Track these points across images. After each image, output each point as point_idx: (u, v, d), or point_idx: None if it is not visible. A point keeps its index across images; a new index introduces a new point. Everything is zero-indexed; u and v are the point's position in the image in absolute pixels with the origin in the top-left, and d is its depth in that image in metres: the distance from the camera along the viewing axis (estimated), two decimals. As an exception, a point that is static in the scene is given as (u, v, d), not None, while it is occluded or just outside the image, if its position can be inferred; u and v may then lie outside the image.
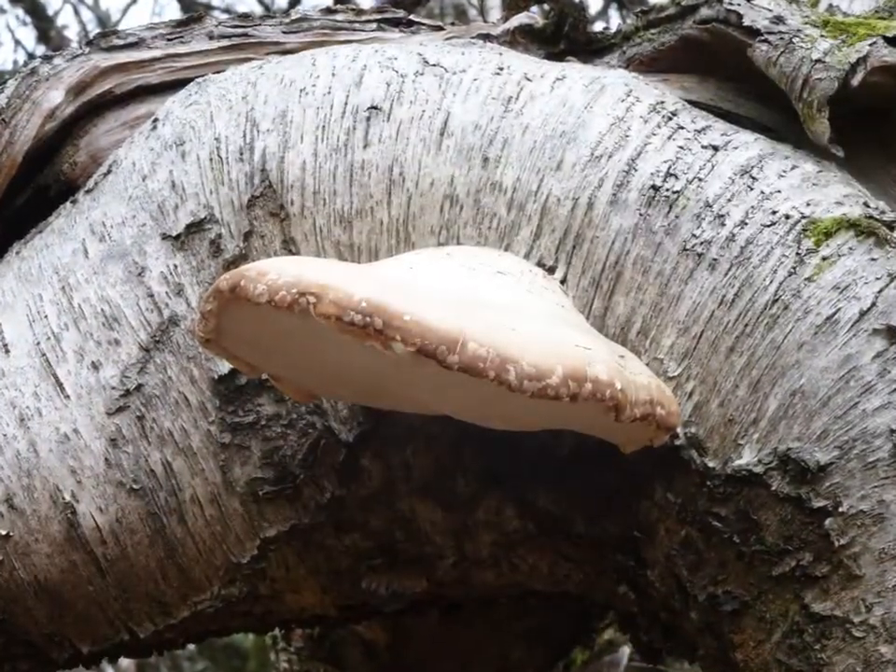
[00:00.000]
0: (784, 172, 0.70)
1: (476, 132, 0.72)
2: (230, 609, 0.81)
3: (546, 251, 0.70)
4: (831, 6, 0.89)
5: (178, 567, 0.77)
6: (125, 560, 0.76)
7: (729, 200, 0.68)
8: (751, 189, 0.68)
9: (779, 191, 0.68)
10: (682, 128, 0.72)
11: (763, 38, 0.75)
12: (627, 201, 0.69)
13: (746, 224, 0.67)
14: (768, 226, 0.66)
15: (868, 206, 0.68)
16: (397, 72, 0.76)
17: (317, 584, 0.82)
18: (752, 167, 0.70)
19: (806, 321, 0.63)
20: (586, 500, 0.74)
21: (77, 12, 4.50)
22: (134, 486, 0.75)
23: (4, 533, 0.74)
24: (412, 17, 0.98)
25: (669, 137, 0.71)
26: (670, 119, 0.73)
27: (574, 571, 0.80)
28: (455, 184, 0.72)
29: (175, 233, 0.76)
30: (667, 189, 0.69)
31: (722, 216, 0.67)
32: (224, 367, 0.73)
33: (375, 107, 0.75)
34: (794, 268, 0.64)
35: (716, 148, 0.71)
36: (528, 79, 0.75)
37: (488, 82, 0.75)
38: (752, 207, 0.67)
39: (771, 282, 0.65)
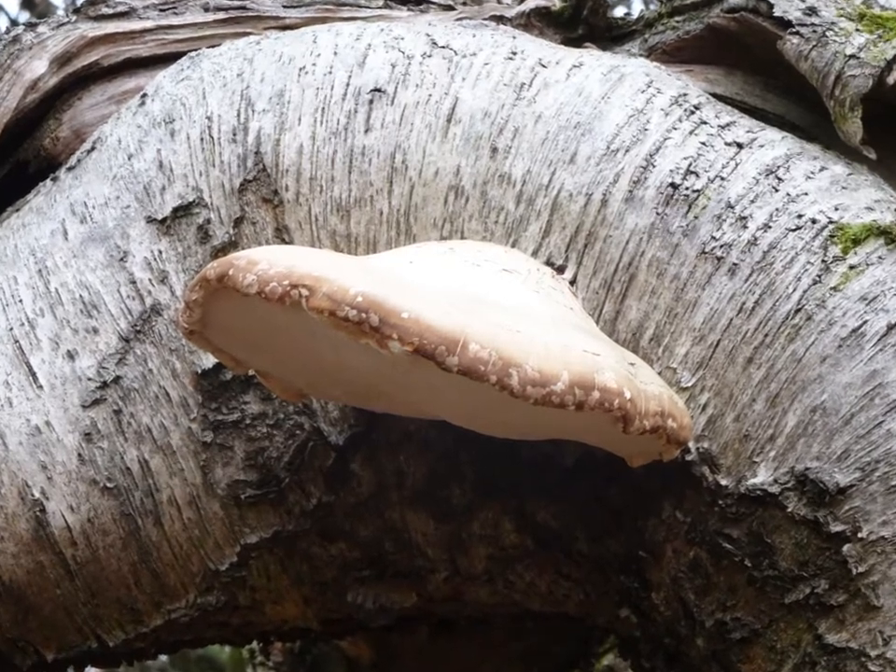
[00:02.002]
0: (812, 173, 0.70)
1: (485, 119, 0.72)
2: (206, 618, 0.81)
3: (555, 249, 0.70)
4: (868, -3, 0.89)
5: (152, 572, 0.77)
6: (96, 563, 0.76)
7: (752, 201, 0.68)
8: (777, 191, 0.68)
9: (806, 194, 0.68)
10: (705, 123, 0.72)
11: (794, 30, 0.75)
12: (644, 199, 0.69)
13: (769, 227, 0.67)
14: (793, 230, 0.66)
15: (900, 213, 0.68)
16: (403, 53, 0.76)
17: (300, 595, 0.82)
18: (778, 167, 0.70)
19: (830, 333, 0.63)
20: (589, 516, 0.74)
21: (64, -22, 4.52)
22: (108, 485, 0.75)
23: (-33, 530, 0.74)
24: (421, -5, 0.98)
25: (691, 132, 0.71)
26: (692, 112, 0.73)
27: (574, 591, 0.80)
28: (460, 174, 0.72)
29: (160, 217, 0.76)
30: (687, 188, 0.69)
31: (745, 218, 0.67)
32: (208, 361, 0.73)
33: (379, 90, 0.75)
34: (819, 276, 0.64)
35: (740, 146, 0.71)
36: (543, 66, 0.75)
37: (500, 67, 0.75)
38: (777, 210, 0.67)
39: (794, 290, 0.65)
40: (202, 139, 0.77)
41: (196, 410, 0.75)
